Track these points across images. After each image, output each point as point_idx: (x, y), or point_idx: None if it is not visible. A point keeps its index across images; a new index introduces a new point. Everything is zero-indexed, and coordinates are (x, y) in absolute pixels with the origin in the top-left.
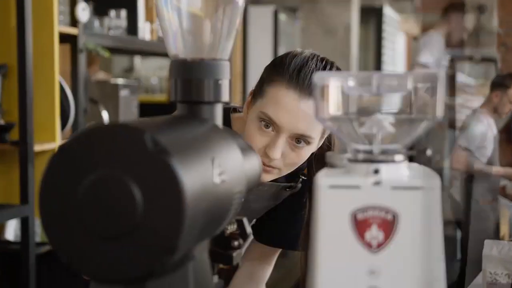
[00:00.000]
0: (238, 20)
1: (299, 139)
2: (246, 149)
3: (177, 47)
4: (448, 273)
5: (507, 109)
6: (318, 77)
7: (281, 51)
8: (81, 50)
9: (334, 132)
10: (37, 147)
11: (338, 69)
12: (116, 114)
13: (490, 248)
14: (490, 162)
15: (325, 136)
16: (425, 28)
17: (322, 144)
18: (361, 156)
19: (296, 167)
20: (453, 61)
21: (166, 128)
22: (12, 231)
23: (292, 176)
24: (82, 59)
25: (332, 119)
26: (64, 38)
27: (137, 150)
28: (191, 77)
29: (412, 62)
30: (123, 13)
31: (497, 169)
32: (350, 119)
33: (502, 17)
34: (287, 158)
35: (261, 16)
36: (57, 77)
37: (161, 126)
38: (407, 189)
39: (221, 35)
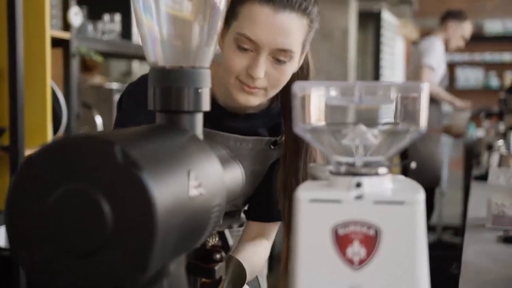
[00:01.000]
0: (219, 26)
1: (279, 57)
2: (227, 160)
3: (156, 55)
4: None
5: (456, 42)
6: (298, 86)
7: None
8: (73, 55)
9: (315, 144)
10: (28, 152)
11: None
12: (110, 118)
13: (497, 176)
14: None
15: (306, 51)
16: (424, 33)
17: (301, 69)
18: (343, 168)
19: (281, 87)
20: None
21: (140, 139)
22: (3, 237)
23: (275, 131)
24: (75, 63)
25: (312, 130)
26: (57, 42)
27: (107, 163)
28: (170, 85)
29: (415, 64)
30: (117, 17)
31: (447, 96)
32: (332, 130)
33: None
34: (270, 77)
35: None
36: (49, 82)
37: (134, 137)
38: (390, 204)
39: (201, 42)
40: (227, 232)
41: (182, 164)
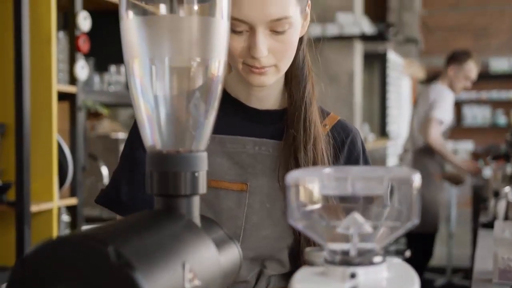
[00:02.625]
0: (218, 95)
1: (277, 29)
2: (224, 240)
3: (154, 139)
4: None
5: (462, 84)
6: (291, 177)
7: None
8: (79, 108)
9: (308, 232)
10: (34, 208)
11: None
12: None
13: (502, 230)
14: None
15: (307, 10)
16: (430, 71)
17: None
18: (337, 258)
19: (291, 58)
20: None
21: (133, 234)
22: None
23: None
24: (81, 117)
25: (306, 219)
26: (63, 95)
27: (100, 263)
28: (167, 170)
29: (424, 111)
30: (123, 68)
31: (454, 158)
32: (326, 219)
33: None
34: (276, 51)
35: None
36: (55, 136)
37: (128, 232)
38: None
39: (198, 122)
40: None
41: (177, 256)
